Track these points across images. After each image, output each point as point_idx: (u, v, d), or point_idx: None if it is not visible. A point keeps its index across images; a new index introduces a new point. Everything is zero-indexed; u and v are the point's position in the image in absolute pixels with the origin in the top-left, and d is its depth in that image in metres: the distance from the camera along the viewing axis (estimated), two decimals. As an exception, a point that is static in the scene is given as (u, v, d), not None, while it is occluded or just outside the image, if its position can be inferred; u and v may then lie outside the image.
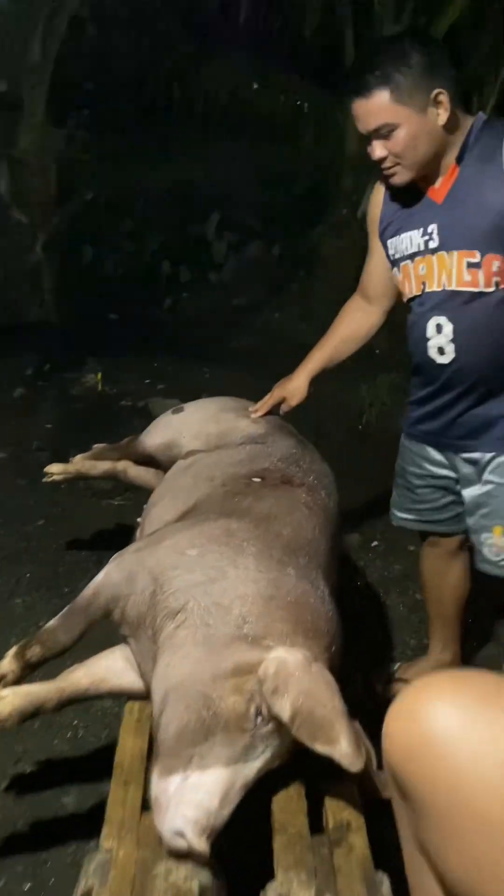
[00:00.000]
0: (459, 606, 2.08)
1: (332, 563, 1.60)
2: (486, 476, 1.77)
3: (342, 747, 1.15)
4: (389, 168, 1.67)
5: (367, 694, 2.14)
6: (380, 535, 2.97)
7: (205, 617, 1.31)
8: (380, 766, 1.32)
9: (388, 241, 1.79)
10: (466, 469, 1.81)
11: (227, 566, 1.39)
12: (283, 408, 2.12)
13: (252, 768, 1.20)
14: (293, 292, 6.20)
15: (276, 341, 5.24)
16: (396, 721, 0.68)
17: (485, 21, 5.29)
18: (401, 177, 1.67)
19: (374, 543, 2.95)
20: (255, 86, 6.39)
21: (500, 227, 1.59)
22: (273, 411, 2.15)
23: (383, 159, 1.65)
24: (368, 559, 2.86)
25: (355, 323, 2.01)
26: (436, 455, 1.88)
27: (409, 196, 1.72)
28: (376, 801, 1.29)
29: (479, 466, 1.79)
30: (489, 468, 1.77)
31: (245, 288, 6.45)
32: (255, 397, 2.24)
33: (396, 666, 2.26)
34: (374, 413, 4.14)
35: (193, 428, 2.19)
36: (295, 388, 2.08)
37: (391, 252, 1.79)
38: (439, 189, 1.68)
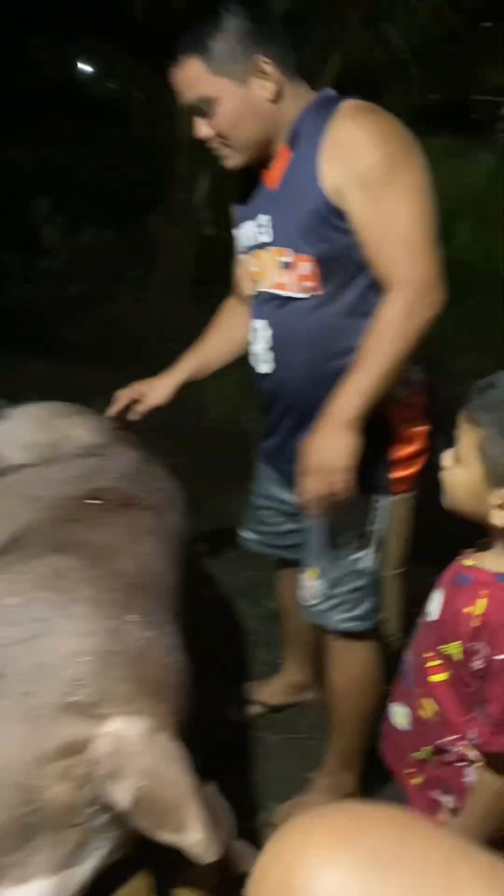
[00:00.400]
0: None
1: (181, 599, 1.41)
2: (270, 542, 1.62)
3: (193, 835, 0.97)
4: (217, 149, 1.48)
5: (216, 718, 1.99)
6: (228, 542, 2.82)
7: (26, 683, 1.08)
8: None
9: (235, 232, 1.61)
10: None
11: (55, 617, 1.16)
12: (138, 408, 1.87)
13: (86, 869, 1.00)
14: (130, 281, 5.92)
15: (115, 333, 4.95)
16: (265, 889, 0.50)
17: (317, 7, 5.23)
18: (232, 159, 1.49)
19: (223, 551, 2.79)
20: (87, 67, 6.06)
21: (312, 223, 1.40)
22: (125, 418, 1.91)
23: (209, 139, 1.47)
24: (217, 568, 2.70)
25: (229, 325, 1.80)
26: (276, 476, 1.72)
27: (252, 181, 1.54)
28: (236, 879, 1.14)
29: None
30: (268, 529, 1.61)
31: (79, 276, 6.10)
32: (93, 394, 2.01)
33: (249, 685, 2.11)
34: (221, 410, 3.97)
35: (19, 437, 1.93)
36: (155, 387, 1.84)
37: (237, 244, 1.60)
38: (273, 174, 1.49)
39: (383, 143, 1.35)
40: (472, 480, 1.05)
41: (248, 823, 1.75)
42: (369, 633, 1.60)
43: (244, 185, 1.57)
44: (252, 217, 1.52)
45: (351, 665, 1.65)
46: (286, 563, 1.87)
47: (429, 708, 1.14)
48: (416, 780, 1.20)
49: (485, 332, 3.70)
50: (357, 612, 1.56)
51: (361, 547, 1.52)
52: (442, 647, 1.11)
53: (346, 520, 1.50)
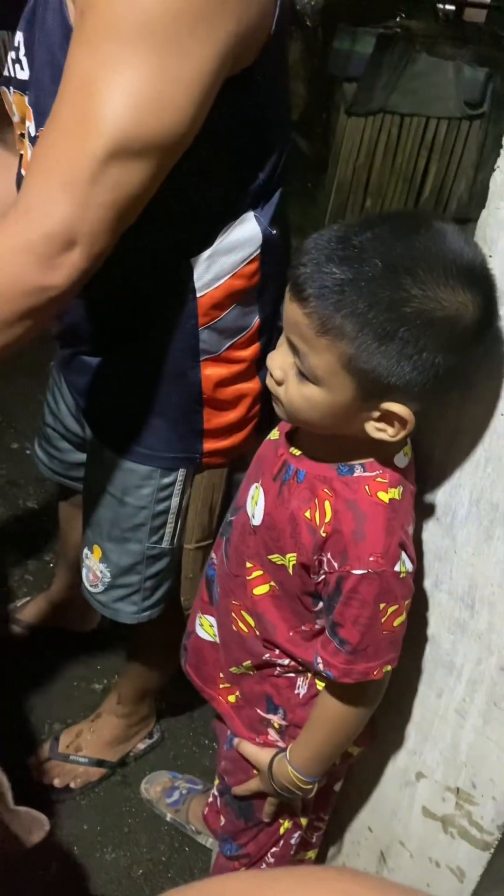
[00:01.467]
0: None
1: None
2: (88, 466, 1.25)
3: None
4: None
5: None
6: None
7: None
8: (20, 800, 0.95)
9: None
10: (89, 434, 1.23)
11: None
12: None
13: None
14: None
15: None
16: None
17: None
18: None
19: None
20: None
21: (58, 66, 0.82)
22: None
23: None
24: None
25: None
26: (67, 392, 1.28)
27: None
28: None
29: (88, 440, 1.24)
30: (91, 454, 1.23)
31: None
32: None
33: (17, 603, 1.83)
34: None
35: None
36: None
37: None
38: None
39: None
40: (337, 402, 0.76)
41: (31, 754, 1.55)
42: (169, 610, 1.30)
43: None
44: (16, 29, 0.95)
45: (149, 637, 1.40)
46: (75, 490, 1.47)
47: (248, 621, 0.95)
48: (232, 697, 1.02)
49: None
50: (150, 601, 1.25)
51: (154, 530, 1.18)
52: (273, 557, 0.89)
53: (134, 499, 1.16)
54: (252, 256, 0.99)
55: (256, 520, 0.91)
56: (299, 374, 0.77)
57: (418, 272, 0.69)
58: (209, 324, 1.02)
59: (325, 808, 1.10)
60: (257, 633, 0.94)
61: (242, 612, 0.95)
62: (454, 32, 3.22)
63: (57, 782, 1.51)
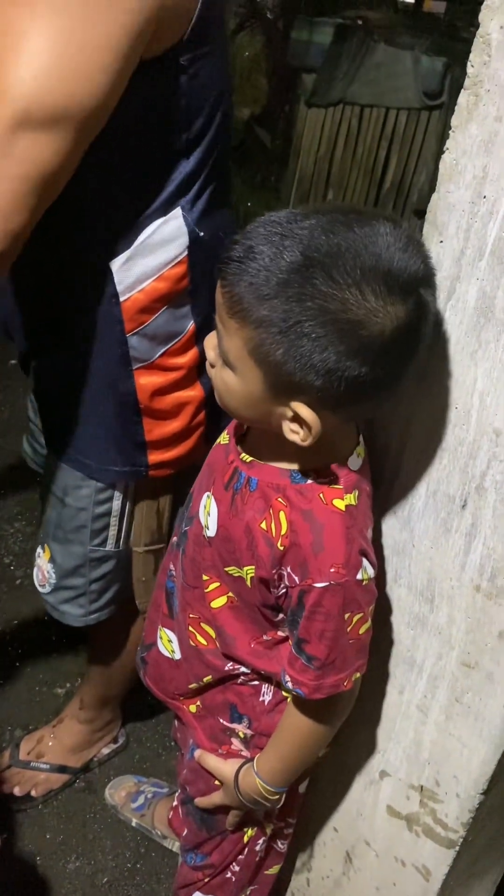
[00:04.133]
0: None
1: None
2: (44, 465, 1.22)
3: None
4: None
5: None
6: None
7: None
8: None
9: None
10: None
11: None
12: None
13: None
14: None
15: None
16: None
17: None
18: None
19: None
20: None
21: None
22: None
23: None
24: None
25: None
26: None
27: None
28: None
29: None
30: (46, 454, 1.20)
31: None
32: None
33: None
34: None
35: None
36: None
37: None
38: None
39: None
40: (250, 392, 0.74)
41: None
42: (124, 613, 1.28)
43: None
44: None
45: (106, 642, 1.38)
46: None
47: (206, 634, 0.92)
48: (193, 707, 0.99)
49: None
50: (98, 604, 1.23)
51: (96, 532, 1.15)
52: (230, 569, 0.86)
53: (74, 500, 1.13)
54: (178, 258, 0.96)
55: (211, 531, 0.87)
56: (223, 360, 0.75)
57: (332, 271, 0.65)
58: (137, 329, 0.98)
59: (292, 812, 1.07)
60: (217, 646, 0.91)
61: (202, 625, 0.92)
62: (412, 22, 3.20)
63: (17, 790, 1.47)
